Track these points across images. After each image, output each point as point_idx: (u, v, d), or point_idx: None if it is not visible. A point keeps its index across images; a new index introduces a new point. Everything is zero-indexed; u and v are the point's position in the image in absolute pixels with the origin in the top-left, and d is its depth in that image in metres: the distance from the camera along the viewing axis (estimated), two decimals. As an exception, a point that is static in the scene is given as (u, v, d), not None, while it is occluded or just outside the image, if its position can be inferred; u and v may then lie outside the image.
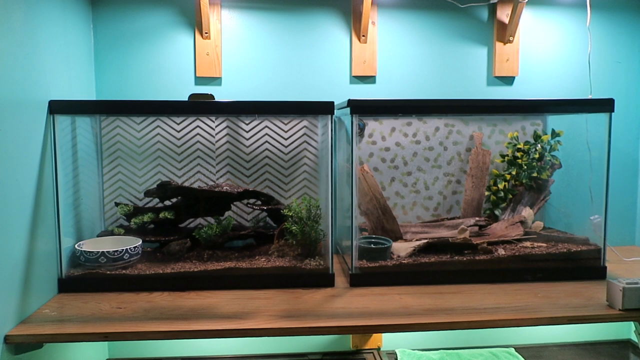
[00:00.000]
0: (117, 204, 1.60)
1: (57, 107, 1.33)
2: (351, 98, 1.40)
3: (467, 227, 1.56)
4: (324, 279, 1.41)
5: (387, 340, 1.80)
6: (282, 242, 1.54)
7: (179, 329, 1.13)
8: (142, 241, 1.49)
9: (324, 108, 1.40)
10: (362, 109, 1.41)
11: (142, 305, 1.27)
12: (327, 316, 1.21)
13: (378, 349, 1.79)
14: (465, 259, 1.46)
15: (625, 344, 1.84)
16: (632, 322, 1.86)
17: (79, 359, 1.52)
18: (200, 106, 1.38)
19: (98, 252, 1.39)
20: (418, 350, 1.76)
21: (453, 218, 1.71)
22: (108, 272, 1.38)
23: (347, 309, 1.26)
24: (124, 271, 1.39)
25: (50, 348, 1.30)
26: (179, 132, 1.66)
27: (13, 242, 1.14)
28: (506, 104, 1.51)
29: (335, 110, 1.41)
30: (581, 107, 1.49)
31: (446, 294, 1.35)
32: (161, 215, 1.55)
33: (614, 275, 1.46)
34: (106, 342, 1.73)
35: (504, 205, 1.70)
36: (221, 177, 1.69)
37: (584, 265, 1.47)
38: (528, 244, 1.52)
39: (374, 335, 1.78)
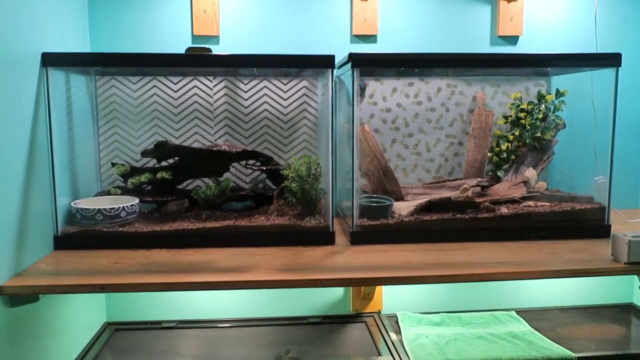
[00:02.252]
0: (113, 165, 1.57)
1: (50, 60, 1.30)
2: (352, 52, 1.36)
3: (470, 187, 1.54)
4: (324, 237, 1.39)
5: (387, 304, 1.79)
6: (281, 201, 1.52)
7: (177, 281, 1.11)
8: (140, 201, 1.46)
9: (324, 62, 1.37)
10: (363, 62, 1.38)
11: (140, 260, 1.25)
12: (327, 270, 1.19)
13: (378, 313, 1.78)
14: (467, 217, 1.43)
15: (627, 308, 1.83)
16: (635, 284, 1.85)
17: (77, 319, 1.50)
18: (197, 59, 1.35)
19: (94, 209, 1.36)
20: (419, 313, 1.74)
21: (455, 179, 1.69)
22: (105, 230, 1.36)
23: (348, 263, 1.24)
24: (120, 229, 1.37)
25: (47, 304, 1.28)
26: (176, 92, 1.63)
27: (5, 196, 1.11)
28: (511, 57, 1.48)
29: (335, 69, 1.38)
30: (587, 61, 1.45)
31: (448, 251, 1.33)
32: (158, 175, 1.53)
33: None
34: (104, 305, 1.72)
35: (506, 166, 1.67)
36: (219, 137, 1.66)
37: (588, 223, 1.46)
38: (531, 203, 1.50)
39: (375, 298, 1.77)
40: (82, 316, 1.55)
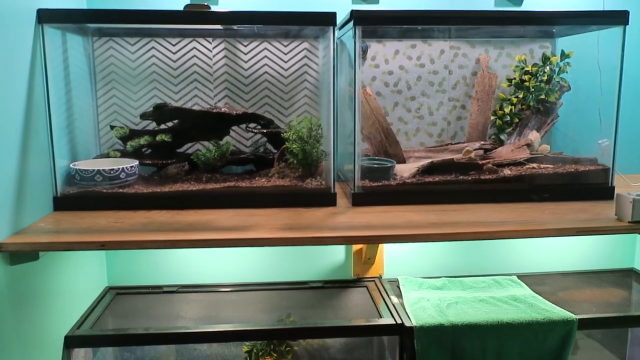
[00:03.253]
0: (112, 127, 1.55)
1: (46, 16, 1.27)
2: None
3: (472, 150, 1.52)
4: (325, 198, 1.38)
5: (388, 269, 1.79)
6: (282, 164, 1.50)
7: (178, 239, 1.10)
8: (139, 164, 1.45)
9: (326, 19, 1.34)
10: (365, 20, 1.35)
11: (140, 220, 1.24)
12: (329, 228, 1.18)
13: (380, 277, 1.78)
14: (470, 178, 1.42)
15: (628, 273, 1.83)
16: (637, 249, 1.85)
17: (78, 283, 1.50)
18: (195, 16, 1.32)
19: (93, 170, 1.35)
20: (420, 277, 1.74)
21: (457, 143, 1.67)
22: (104, 191, 1.35)
23: (349, 223, 1.23)
24: (120, 190, 1.36)
25: (47, 264, 1.28)
26: (174, 53, 1.60)
27: (2, 155, 1.09)
28: (515, 15, 1.45)
29: (337, 29, 1.35)
30: (593, 19, 1.42)
31: (451, 212, 1.32)
32: (158, 138, 1.51)
33: (621, 196, 1.43)
34: (105, 270, 1.71)
35: (509, 129, 1.65)
36: (219, 101, 1.64)
37: (592, 185, 1.44)
38: (534, 165, 1.49)
39: (376, 264, 1.77)
40: (83, 280, 1.54)
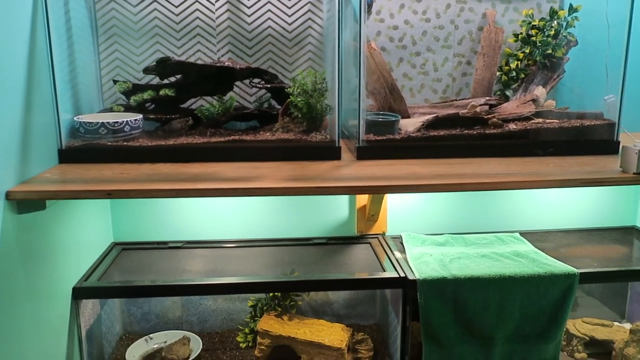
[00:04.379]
0: (115, 82, 1.54)
1: (47, -35, 1.25)
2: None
3: (478, 105, 1.51)
4: (330, 152, 1.38)
5: (391, 226, 1.80)
6: (286, 119, 1.50)
7: (184, 188, 1.11)
8: (143, 119, 1.44)
9: (331, -31, 1.31)
10: (371, -31, 1.32)
11: (146, 172, 1.25)
12: (334, 179, 1.18)
13: (383, 234, 1.79)
14: (475, 133, 1.42)
15: (630, 230, 1.84)
16: (638, 206, 1.85)
17: (84, 237, 1.51)
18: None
19: (98, 122, 1.35)
20: (423, 234, 1.76)
21: (462, 99, 1.66)
22: (109, 144, 1.34)
23: (354, 174, 1.23)
24: (125, 143, 1.36)
25: (54, 216, 1.29)
26: (177, 7, 1.58)
27: (6, 106, 1.09)
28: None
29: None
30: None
31: (456, 165, 1.32)
32: (161, 92, 1.50)
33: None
34: (111, 226, 1.73)
35: (515, 85, 1.64)
36: (222, 55, 1.63)
37: (597, 140, 1.44)
38: (539, 120, 1.48)
39: (379, 220, 1.78)
40: (89, 234, 1.56)
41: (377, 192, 1.17)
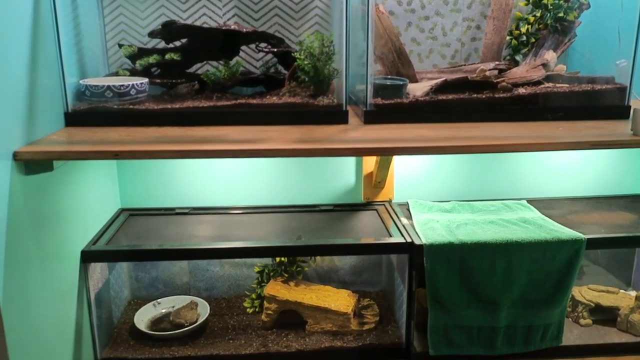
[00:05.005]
0: (120, 46, 1.53)
1: None
2: None
3: (487, 70, 1.49)
4: (337, 116, 1.36)
5: (398, 194, 1.80)
6: (293, 83, 1.48)
7: (190, 149, 1.11)
8: (149, 84, 1.43)
9: None
10: None
11: (152, 134, 1.24)
12: (341, 141, 1.18)
13: (390, 201, 1.79)
14: (484, 97, 1.40)
15: (638, 198, 1.83)
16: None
17: (92, 203, 1.52)
18: None
19: (103, 85, 1.34)
20: (430, 201, 1.75)
21: (471, 64, 1.64)
22: (115, 107, 1.34)
23: (361, 137, 1.23)
24: (131, 106, 1.35)
25: (62, 179, 1.29)
26: (182, -31, 1.56)
27: (11, 68, 1.08)
28: None
29: None
30: None
31: (464, 129, 1.31)
32: (167, 56, 1.48)
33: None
34: (118, 192, 1.73)
35: (525, 50, 1.61)
36: (228, 19, 1.60)
37: (607, 105, 1.42)
38: (549, 84, 1.46)
39: (386, 187, 1.77)
40: (97, 200, 1.56)
41: (385, 153, 1.16)
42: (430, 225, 1.56)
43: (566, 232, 1.48)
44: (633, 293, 1.70)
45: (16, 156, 1.06)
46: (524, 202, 1.76)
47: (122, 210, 1.73)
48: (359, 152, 1.14)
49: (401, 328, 1.57)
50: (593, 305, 1.66)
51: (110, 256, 1.46)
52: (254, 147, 1.11)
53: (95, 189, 1.54)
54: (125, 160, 1.71)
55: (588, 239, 1.45)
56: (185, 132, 1.27)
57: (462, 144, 1.15)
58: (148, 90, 1.42)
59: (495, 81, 1.42)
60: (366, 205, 1.78)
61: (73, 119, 1.32)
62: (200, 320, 1.62)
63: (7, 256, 1.03)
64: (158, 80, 1.48)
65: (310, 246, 1.49)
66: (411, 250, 1.46)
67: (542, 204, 1.75)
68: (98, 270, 1.50)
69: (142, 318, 1.65)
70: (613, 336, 1.61)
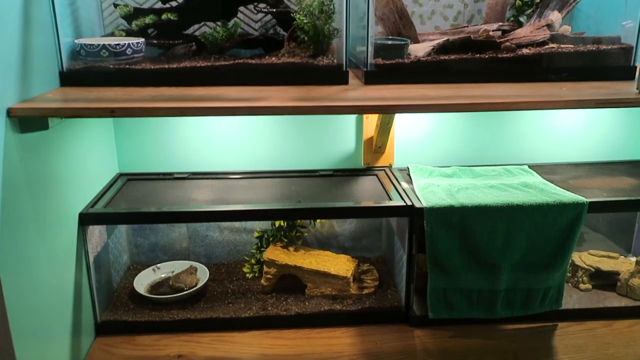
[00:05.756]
0: (115, 5, 1.49)
1: None
2: None
3: (490, 30, 1.46)
4: (337, 76, 1.34)
5: (398, 159, 1.78)
6: (292, 44, 1.45)
7: (188, 106, 1.09)
8: (145, 44, 1.41)
9: None
10: None
11: (150, 93, 1.22)
12: (342, 100, 1.16)
13: (390, 166, 1.78)
14: (487, 57, 1.37)
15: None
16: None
17: (89, 167, 1.50)
18: None
19: (99, 44, 1.31)
20: (430, 166, 1.74)
21: (474, 25, 1.61)
22: (111, 66, 1.31)
23: (362, 96, 1.20)
24: (127, 66, 1.32)
25: (57, 139, 1.27)
26: None
27: (3, 21, 1.05)
28: None
29: None
30: None
31: (466, 89, 1.28)
32: (163, 16, 1.45)
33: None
34: (116, 157, 1.72)
35: (529, 11, 1.58)
36: (226, -21, 1.57)
37: (613, 65, 1.39)
38: (554, 45, 1.43)
39: (386, 153, 1.76)
40: (94, 164, 1.55)
41: (386, 111, 1.14)
42: (431, 190, 1.55)
43: (568, 196, 1.47)
44: (634, 259, 1.70)
45: (10, 113, 1.04)
46: (526, 167, 1.74)
47: (120, 175, 1.72)
48: (359, 110, 1.12)
49: (401, 292, 1.58)
50: (593, 270, 1.66)
51: (108, 219, 1.45)
52: (252, 104, 1.09)
53: (92, 151, 1.52)
54: (123, 124, 1.69)
55: (590, 202, 1.44)
56: (182, 91, 1.25)
57: (465, 101, 1.12)
58: (144, 51, 1.39)
59: (498, 41, 1.40)
60: (366, 171, 1.76)
61: (68, 78, 1.29)
62: (199, 285, 1.62)
63: (3, 215, 1.02)
64: (155, 42, 1.45)
65: (310, 209, 1.48)
66: (411, 213, 1.45)
67: (544, 169, 1.73)
68: (97, 233, 1.49)
69: (142, 282, 1.65)
70: (612, 300, 1.61)
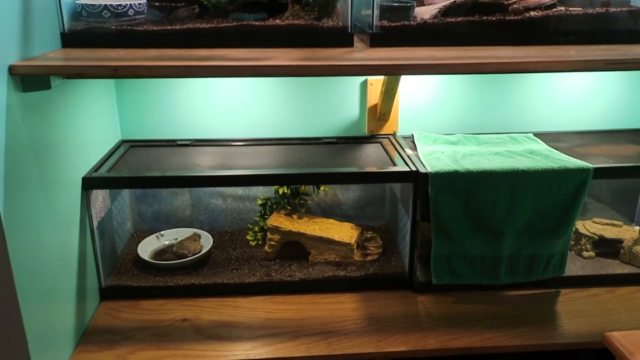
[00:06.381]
0: (116, -33, 1.47)
1: None
2: None
3: (497, -7, 1.44)
4: (342, 38, 1.32)
5: (402, 127, 1.77)
6: (297, 7, 1.43)
7: (192, 64, 1.07)
8: (147, 6, 1.38)
9: None
10: None
11: (153, 54, 1.20)
12: (347, 60, 1.14)
13: (394, 134, 1.77)
14: (494, 19, 1.35)
15: (646, 132, 1.81)
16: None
17: (91, 133, 1.49)
18: None
19: (100, 5, 1.29)
20: (435, 134, 1.73)
21: (481, -10, 1.58)
22: (113, 27, 1.29)
23: (367, 57, 1.19)
24: (129, 27, 1.30)
25: (60, 98, 1.26)
26: None
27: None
28: None
29: None
30: None
31: (473, 51, 1.26)
32: (165, -22, 1.43)
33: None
34: (118, 123, 1.71)
35: (537, -26, 1.55)
36: (228, -60, 1.54)
37: (622, 28, 1.37)
38: (562, 7, 1.41)
39: (390, 120, 1.75)
40: (97, 129, 1.54)
41: (393, 71, 1.13)
42: (435, 156, 1.54)
43: (573, 162, 1.47)
44: (637, 227, 1.70)
45: (12, 70, 1.02)
46: (531, 135, 1.73)
47: (123, 141, 1.71)
48: (365, 70, 1.11)
49: (404, 258, 1.58)
50: (596, 237, 1.66)
51: (112, 183, 1.44)
52: (258, 63, 1.07)
53: (94, 116, 1.51)
54: (125, 89, 1.68)
55: (595, 168, 1.44)
56: (186, 52, 1.23)
57: (472, 61, 1.11)
58: (146, 12, 1.37)
59: (506, 3, 1.37)
60: (370, 138, 1.75)
61: (70, 39, 1.28)
62: (203, 251, 1.63)
63: (7, 175, 1.01)
64: (157, 4, 1.43)
65: (313, 174, 1.47)
66: (416, 178, 1.45)
67: (549, 137, 1.72)
68: (100, 199, 1.49)
69: (146, 249, 1.66)
70: (615, 267, 1.61)
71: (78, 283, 1.36)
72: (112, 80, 1.66)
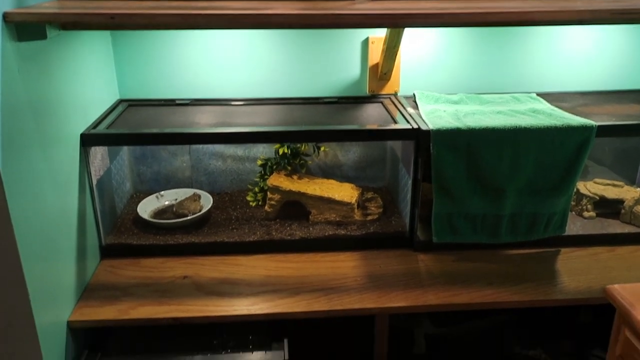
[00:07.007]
0: None
1: None
2: None
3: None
4: (344, -9, 1.29)
5: (404, 87, 1.75)
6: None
7: (192, 13, 1.05)
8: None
9: None
10: None
11: (149, 4, 1.17)
12: (349, 10, 1.11)
13: (395, 94, 1.75)
14: (499, -29, 1.33)
15: (650, 92, 1.79)
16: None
17: (89, 92, 1.47)
18: None
19: (96, -45, 1.26)
20: (437, 93, 1.71)
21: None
22: (109, -21, 1.26)
23: (370, 7, 1.16)
24: (126, -21, 1.28)
25: (56, 51, 1.23)
26: None
27: None
28: None
29: None
30: None
31: (478, 2, 1.24)
32: None
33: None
34: (116, 82, 1.68)
35: None
36: None
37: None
38: (569, -39, 1.38)
39: (391, 80, 1.73)
40: (94, 87, 1.51)
41: (396, 21, 1.10)
42: (437, 114, 1.52)
43: (576, 119, 1.45)
44: (638, 189, 1.70)
45: (6, 17, 1.00)
46: (533, 94, 1.71)
47: (121, 101, 1.69)
48: (368, 19, 1.08)
49: (405, 218, 1.58)
50: (597, 197, 1.65)
51: (110, 139, 1.43)
52: (258, 12, 1.05)
53: (91, 73, 1.48)
54: (122, 46, 1.65)
55: (598, 126, 1.42)
56: (184, 3, 1.20)
57: (478, 11, 1.08)
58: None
59: (512, -45, 1.34)
60: (371, 98, 1.74)
61: None
62: (203, 211, 1.62)
63: (4, 128, 0.99)
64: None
65: (314, 131, 1.46)
66: (417, 136, 1.43)
67: (552, 97, 1.71)
68: (99, 157, 1.48)
69: (146, 209, 1.65)
70: (616, 227, 1.62)
71: (78, 240, 1.35)
72: (109, 37, 1.63)
